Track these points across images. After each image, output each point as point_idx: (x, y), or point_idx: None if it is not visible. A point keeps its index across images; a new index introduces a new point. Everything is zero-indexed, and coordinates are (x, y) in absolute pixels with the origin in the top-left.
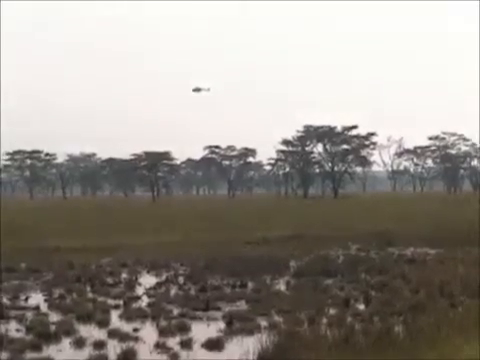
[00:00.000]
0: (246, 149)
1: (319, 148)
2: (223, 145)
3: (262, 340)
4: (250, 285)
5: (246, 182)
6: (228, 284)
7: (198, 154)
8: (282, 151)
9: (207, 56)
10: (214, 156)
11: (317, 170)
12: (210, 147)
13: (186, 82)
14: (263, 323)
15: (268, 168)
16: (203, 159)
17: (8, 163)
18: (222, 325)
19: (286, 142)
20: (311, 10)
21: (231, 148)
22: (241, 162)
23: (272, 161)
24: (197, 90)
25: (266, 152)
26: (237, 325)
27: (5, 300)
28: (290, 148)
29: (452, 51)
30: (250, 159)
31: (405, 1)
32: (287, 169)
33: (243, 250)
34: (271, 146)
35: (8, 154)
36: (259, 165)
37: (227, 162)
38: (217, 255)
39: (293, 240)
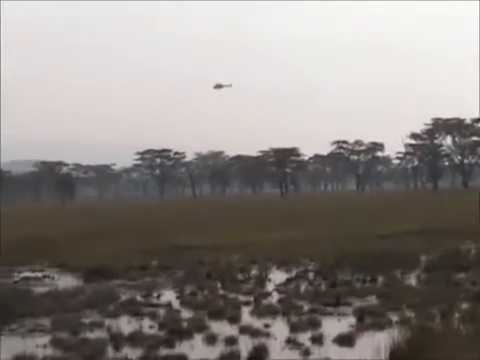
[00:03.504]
0: (374, 143)
1: (448, 141)
2: (350, 140)
3: (394, 335)
4: (380, 280)
5: (374, 177)
6: (358, 279)
7: (324, 149)
8: (410, 144)
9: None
10: (342, 151)
11: (446, 163)
12: (338, 142)
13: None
14: (394, 318)
15: (396, 162)
16: (331, 154)
17: (139, 162)
18: (353, 320)
19: (414, 135)
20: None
21: (359, 143)
22: (369, 156)
23: (400, 155)
24: (218, 87)
25: (394, 146)
26: (368, 320)
27: (138, 297)
28: (418, 141)
29: None
30: (378, 153)
31: None
32: (416, 163)
33: (372, 245)
34: (399, 140)
35: (138, 154)
36: (387, 159)
37: (355, 157)
38: (346, 250)
39: (423, 234)
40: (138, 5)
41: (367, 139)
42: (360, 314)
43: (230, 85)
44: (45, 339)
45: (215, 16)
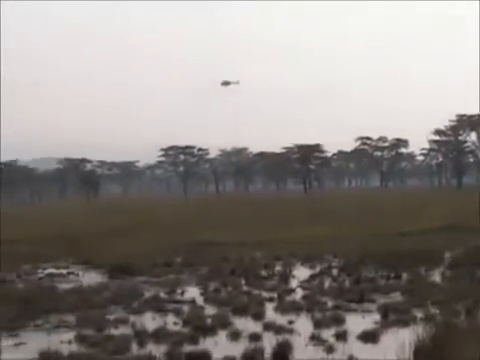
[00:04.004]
0: (398, 139)
1: (473, 137)
2: (374, 136)
3: (418, 332)
4: (404, 276)
5: (398, 173)
6: (382, 276)
7: (348, 145)
8: (435, 141)
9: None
10: (366, 147)
11: (471, 159)
12: (362, 138)
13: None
14: (419, 315)
15: (420, 158)
16: (355, 150)
17: (162, 159)
18: (377, 317)
19: (439, 132)
20: None
21: (383, 139)
22: (393, 153)
23: (425, 151)
24: (226, 84)
25: (418, 142)
26: (392, 317)
27: (162, 294)
28: (443, 138)
29: None
30: (402, 150)
31: None
32: (440, 159)
33: (396, 242)
34: (423, 136)
35: (162, 150)
36: (411, 156)
37: (379, 153)
38: (370, 247)
39: (447, 231)
40: (144, 4)
41: (391, 135)
42: (384, 311)
43: (237, 82)
44: (70, 335)
45: (236, 13)
